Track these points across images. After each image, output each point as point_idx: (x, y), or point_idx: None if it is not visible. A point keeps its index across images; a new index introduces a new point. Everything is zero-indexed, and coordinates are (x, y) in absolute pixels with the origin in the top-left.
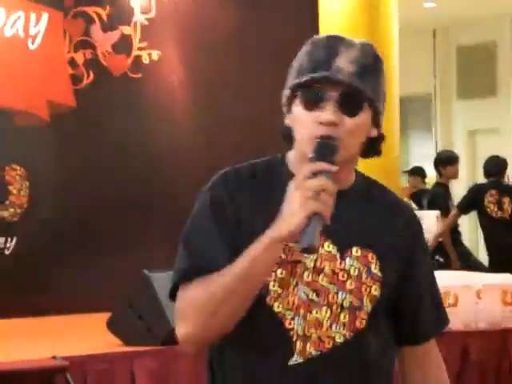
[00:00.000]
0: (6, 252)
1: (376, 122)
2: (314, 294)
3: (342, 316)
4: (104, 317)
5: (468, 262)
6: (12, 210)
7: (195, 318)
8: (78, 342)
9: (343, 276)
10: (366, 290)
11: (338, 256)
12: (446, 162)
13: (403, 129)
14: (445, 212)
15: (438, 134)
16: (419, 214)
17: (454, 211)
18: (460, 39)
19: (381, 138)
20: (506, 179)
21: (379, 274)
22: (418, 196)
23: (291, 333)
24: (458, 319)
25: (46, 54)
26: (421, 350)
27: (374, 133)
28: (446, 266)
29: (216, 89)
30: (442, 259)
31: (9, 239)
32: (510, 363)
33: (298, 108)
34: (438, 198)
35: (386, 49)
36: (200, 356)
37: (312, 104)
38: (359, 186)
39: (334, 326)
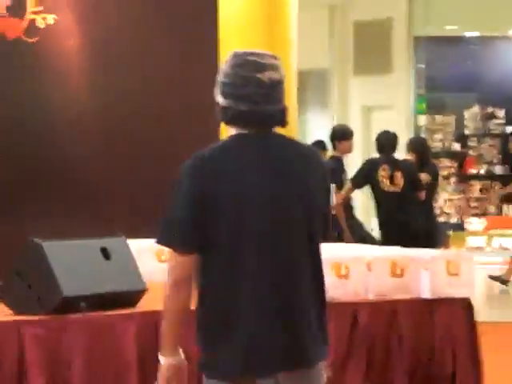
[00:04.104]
0: None
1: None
2: None
3: None
4: None
5: (360, 235)
6: None
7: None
8: None
9: None
10: None
11: None
12: (340, 136)
13: (301, 102)
14: (339, 185)
15: (334, 109)
16: None
17: (347, 185)
18: (357, 15)
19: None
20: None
21: None
22: None
23: None
24: (349, 290)
25: None
26: None
27: (220, 102)
28: (339, 238)
29: (113, 53)
30: (335, 232)
31: None
32: (398, 337)
33: None
34: (332, 172)
35: (283, 23)
36: (92, 325)
37: None
38: None
39: None
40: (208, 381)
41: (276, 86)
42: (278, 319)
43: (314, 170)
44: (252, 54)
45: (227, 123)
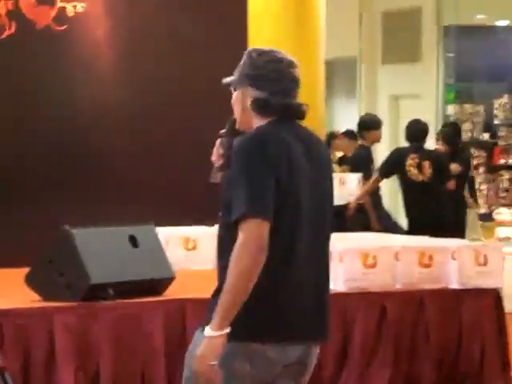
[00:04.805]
0: None
1: (255, 87)
2: None
3: None
4: (24, 272)
5: (387, 225)
6: None
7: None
8: None
9: None
10: None
11: None
12: (369, 126)
13: (328, 91)
14: (367, 175)
15: (362, 98)
16: (341, 176)
17: (375, 175)
18: (386, 4)
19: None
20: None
21: None
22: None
23: None
24: (376, 280)
25: None
26: None
27: (256, 95)
28: (367, 228)
29: (143, 43)
30: (362, 221)
31: None
32: (425, 326)
33: None
34: (360, 161)
35: (313, 12)
36: (120, 312)
37: None
38: None
39: None
40: (235, 344)
41: (299, 83)
42: (318, 296)
43: (329, 157)
44: (277, 51)
45: (263, 115)
